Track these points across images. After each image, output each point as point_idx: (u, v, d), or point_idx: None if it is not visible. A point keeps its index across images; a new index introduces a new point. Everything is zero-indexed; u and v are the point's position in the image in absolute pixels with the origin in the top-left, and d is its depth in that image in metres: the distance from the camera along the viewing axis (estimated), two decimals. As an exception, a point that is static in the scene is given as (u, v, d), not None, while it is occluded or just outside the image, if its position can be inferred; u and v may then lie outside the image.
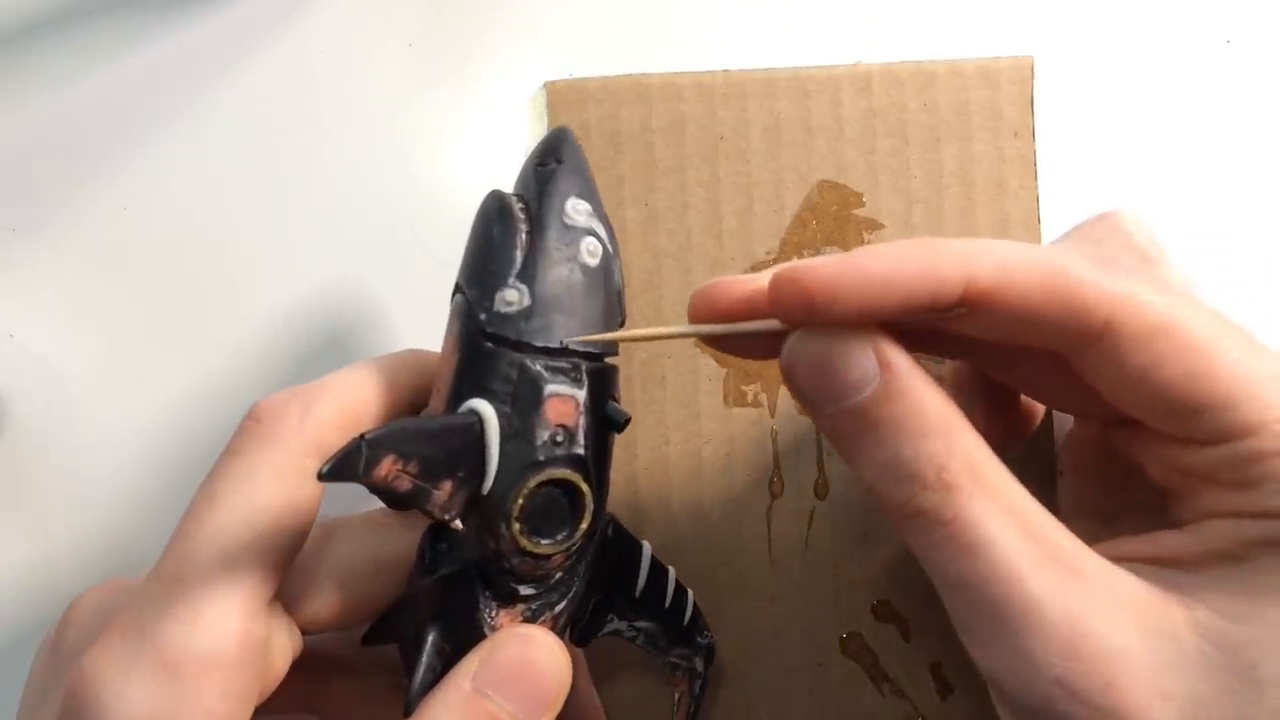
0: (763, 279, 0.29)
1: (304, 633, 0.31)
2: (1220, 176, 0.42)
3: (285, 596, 0.31)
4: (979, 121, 0.40)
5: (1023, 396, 0.36)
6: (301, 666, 0.31)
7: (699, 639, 0.37)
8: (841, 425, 0.28)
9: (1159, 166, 0.42)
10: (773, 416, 0.40)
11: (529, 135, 0.43)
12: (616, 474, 0.33)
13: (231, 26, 0.44)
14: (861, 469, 0.28)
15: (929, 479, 0.27)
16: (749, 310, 0.30)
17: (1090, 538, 0.28)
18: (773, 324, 0.29)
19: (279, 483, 0.29)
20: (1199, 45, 0.43)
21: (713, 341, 0.32)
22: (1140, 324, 0.27)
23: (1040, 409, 0.37)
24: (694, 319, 0.31)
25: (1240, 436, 0.26)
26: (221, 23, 0.44)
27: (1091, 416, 0.32)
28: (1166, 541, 0.28)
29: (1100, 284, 0.27)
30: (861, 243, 0.40)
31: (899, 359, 0.28)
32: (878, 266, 0.27)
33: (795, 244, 0.40)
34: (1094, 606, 0.26)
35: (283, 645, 0.30)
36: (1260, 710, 0.25)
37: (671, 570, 0.36)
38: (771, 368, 0.40)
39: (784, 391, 0.40)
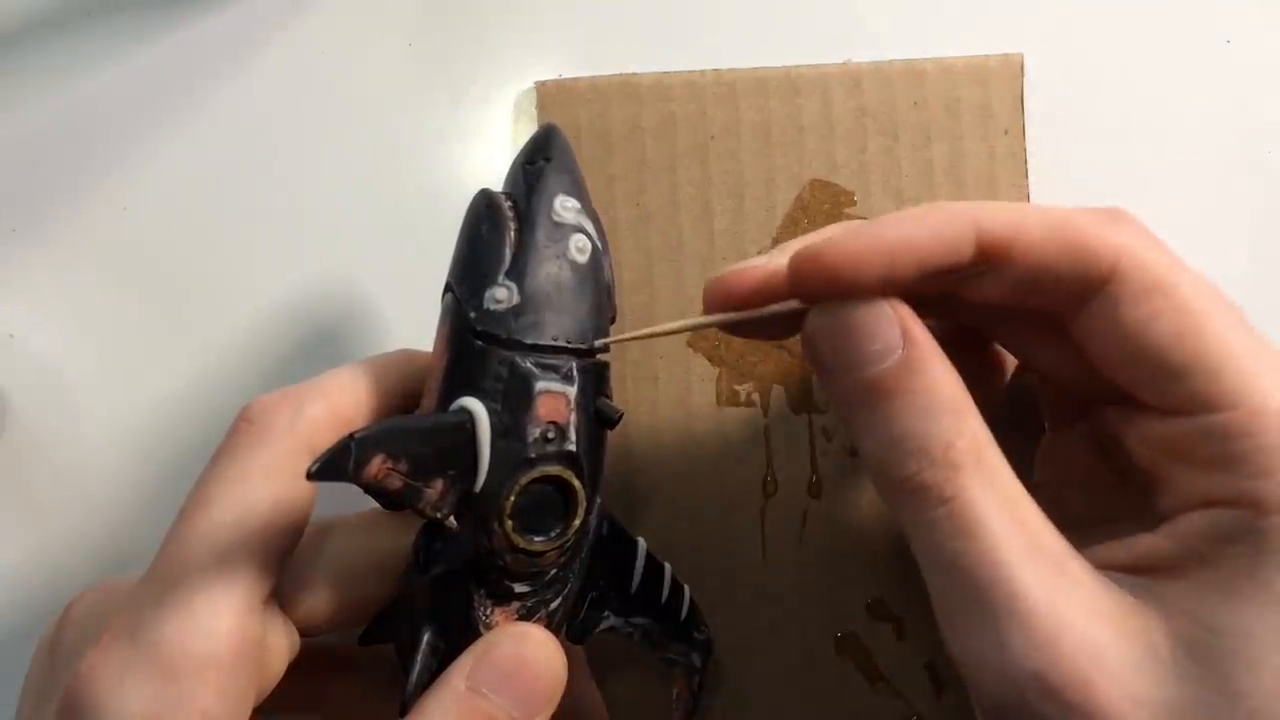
0: (775, 261, 0.30)
1: (301, 634, 0.31)
2: (1214, 176, 0.42)
3: (281, 596, 0.31)
4: (969, 119, 0.40)
5: (992, 353, 0.37)
6: (301, 666, 0.31)
7: (696, 635, 0.37)
8: (858, 394, 0.28)
9: (1151, 165, 0.42)
10: (765, 416, 0.40)
11: (518, 136, 0.43)
12: (609, 474, 0.33)
13: (231, 26, 0.44)
14: (869, 440, 0.29)
15: (936, 455, 0.27)
16: (765, 294, 0.30)
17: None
18: (792, 304, 0.30)
19: (271, 482, 0.29)
20: (1193, 43, 0.43)
21: (732, 328, 0.33)
22: (1142, 276, 0.27)
23: (1007, 368, 0.37)
24: (710, 308, 0.31)
25: (1220, 408, 0.27)
26: (221, 23, 0.44)
27: (1079, 388, 0.32)
28: (1142, 545, 0.28)
29: (1106, 234, 0.28)
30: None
31: (920, 332, 0.28)
32: (893, 233, 0.28)
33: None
34: (1077, 604, 0.26)
35: (279, 645, 0.30)
36: None
37: (667, 566, 0.36)
38: (764, 365, 0.40)
39: (776, 390, 0.40)
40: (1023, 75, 0.40)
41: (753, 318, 0.31)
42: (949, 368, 0.28)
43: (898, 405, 0.28)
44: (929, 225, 0.28)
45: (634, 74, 0.41)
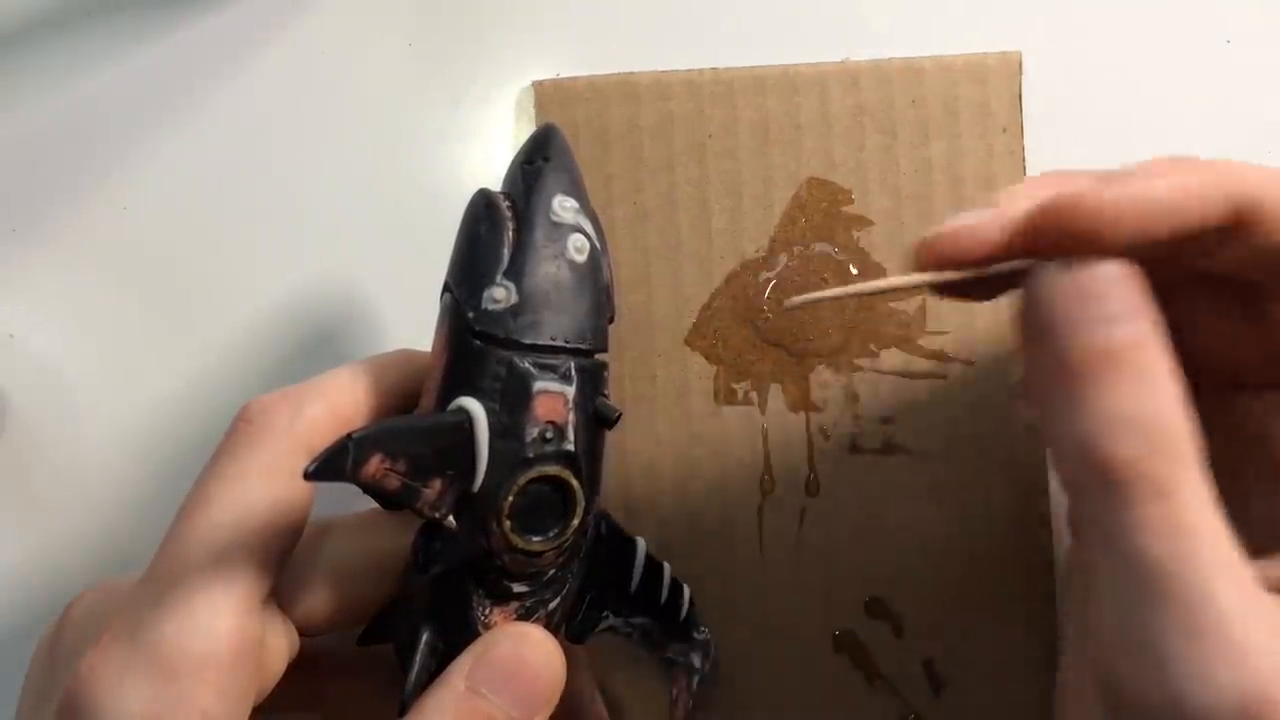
0: (1006, 214, 0.28)
1: (301, 634, 0.31)
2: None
3: (280, 596, 0.31)
4: (967, 117, 0.40)
5: None
6: (301, 666, 0.31)
7: (695, 635, 0.37)
8: (1083, 361, 0.25)
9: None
10: (763, 414, 0.40)
11: (518, 136, 0.43)
12: (608, 473, 0.33)
13: (231, 26, 0.44)
14: (1083, 413, 0.25)
15: (1163, 442, 0.24)
16: (991, 253, 0.28)
17: None
18: (1020, 264, 0.27)
19: (269, 482, 0.29)
20: (1193, 43, 0.43)
21: (941, 288, 0.30)
22: None
23: None
24: (927, 268, 0.29)
25: None
26: (221, 23, 0.44)
27: (1246, 370, 0.30)
28: None
29: None
30: (851, 240, 0.40)
31: (1154, 309, 0.26)
32: (1152, 190, 0.26)
33: (785, 241, 0.40)
34: (1270, 629, 0.23)
35: (279, 645, 0.30)
36: None
37: (667, 566, 0.36)
38: (762, 364, 0.40)
39: (774, 389, 0.40)
40: (1021, 73, 0.40)
41: (975, 276, 0.28)
42: (1168, 349, 0.26)
43: (1127, 380, 0.25)
44: (1189, 184, 0.26)
45: (632, 73, 0.41)
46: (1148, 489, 0.24)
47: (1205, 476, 0.24)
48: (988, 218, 0.28)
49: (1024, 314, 0.27)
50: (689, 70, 0.41)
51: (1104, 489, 0.25)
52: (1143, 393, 0.25)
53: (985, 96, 0.40)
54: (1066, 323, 0.26)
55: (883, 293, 0.34)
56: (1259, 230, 0.26)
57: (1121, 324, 0.25)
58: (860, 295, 0.33)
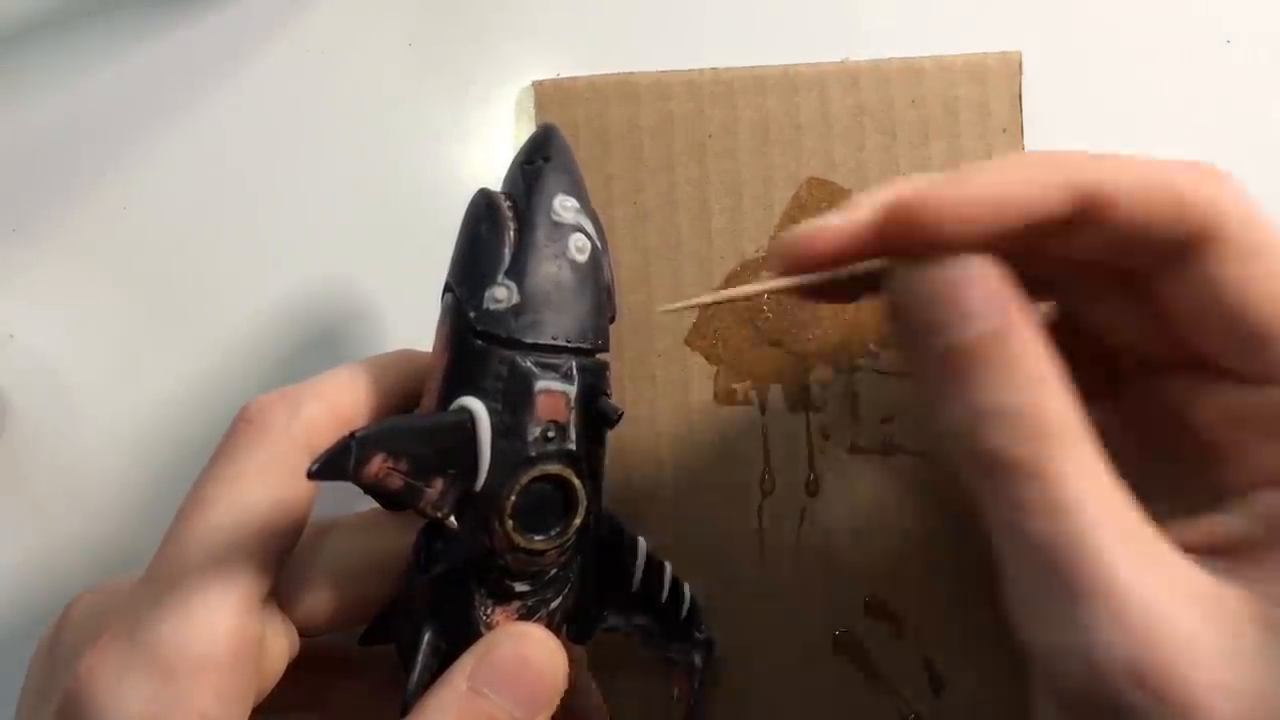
0: (853, 218, 0.28)
1: (302, 634, 0.31)
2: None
3: (281, 596, 0.31)
4: (967, 118, 0.40)
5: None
6: (301, 667, 0.31)
7: (696, 634, 0.37)
8: (946, 359, 0.26)
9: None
10: (763, 414, 0.40)
11: (518, 135, 0.43)
12: (608, 472, 0.33)
13: (231, 25, 0.44)
14: (955, 409, 0.26)
15: (1028, 428, 0.25)
16: (844, 255, 0.29)
17: None
18: (876, 263, 0.28)
19: (268, 482, 0.29)
20: (1193, 43, 0.43)
21: (803, 291, 0.30)
22: (1245, 237, 0.27)
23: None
24: (781, 271, 0.30)
25: None
26: (221, 23, 0.44)
27: (1146, 353, 0.31)
28: (1215, 526, 0.27)
29: (1209, 193, 0.27)
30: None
31: (1016, 296, 0.27)
32: (994, 184, 0.26)
33: (785, 241, 0.40)
34: (1168, 590, 0.24)
35: (279, 645, 0.30)
36: None
37: (668, 565, 0.36)
38: (761, 364, 0.40)
39: (774, 389, 0.40)
40: (1021, 74, 0.40)
41: (832, 279, 0.29)
42: (1041, 334, 0.26)
43: (991, 374, 0.26)
44: (1028, 177, 0.26)
45: (632, 73, 0.41)
46: (1021, 473, 0.25)
47: (1090, 450, 0.25)
48: (838, 220, 0.28)
49: (889, 314, 0.28)
50: (689, 70, 0.41)
51: (984, 474, 0.26)
52: (1006, 383, 0.26)
53: (985, 96, 0.40)
54: (920, 324, 0.27)
55: (748, 298, 0.34)
56: (1112, 216, 0.27)
57: (978, 320, 0.26)
58: (731, 300, 0.34)
